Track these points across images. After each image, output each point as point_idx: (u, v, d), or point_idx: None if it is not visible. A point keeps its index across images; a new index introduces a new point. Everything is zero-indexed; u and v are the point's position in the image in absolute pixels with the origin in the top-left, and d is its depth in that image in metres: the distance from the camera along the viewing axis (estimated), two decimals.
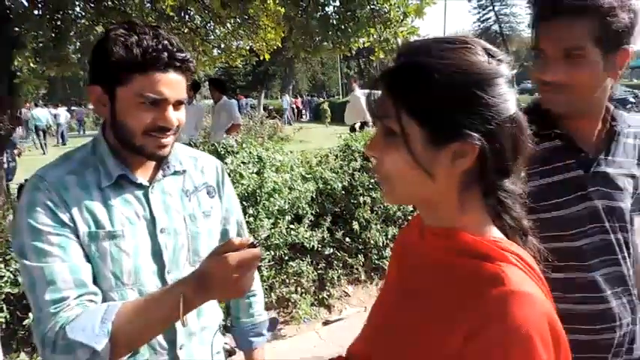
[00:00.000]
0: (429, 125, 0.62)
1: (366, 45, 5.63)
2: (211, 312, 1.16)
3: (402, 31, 5.11)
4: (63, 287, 0.88)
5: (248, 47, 6.85)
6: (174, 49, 0.94)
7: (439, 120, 0.62)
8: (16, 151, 5.85)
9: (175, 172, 1.08)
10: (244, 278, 0.82)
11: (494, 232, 0.66)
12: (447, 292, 0.62)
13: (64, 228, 0.92)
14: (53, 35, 5.63)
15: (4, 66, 3.75)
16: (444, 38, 0.66)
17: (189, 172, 1.11)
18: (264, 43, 6.16)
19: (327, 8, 5.72)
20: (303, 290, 3.46)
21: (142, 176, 1.03)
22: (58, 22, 5.72)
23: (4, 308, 2.53)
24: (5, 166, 4.51)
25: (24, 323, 2.57)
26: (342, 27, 5.55)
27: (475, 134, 0.60)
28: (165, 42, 0.93)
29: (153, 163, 1.05)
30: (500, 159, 0.63)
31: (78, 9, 6.10)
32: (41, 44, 5.59)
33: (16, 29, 4.47)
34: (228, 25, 6.40)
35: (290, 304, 3.40)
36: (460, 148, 0.61)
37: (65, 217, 0.92)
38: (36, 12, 5.64)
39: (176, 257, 1.04)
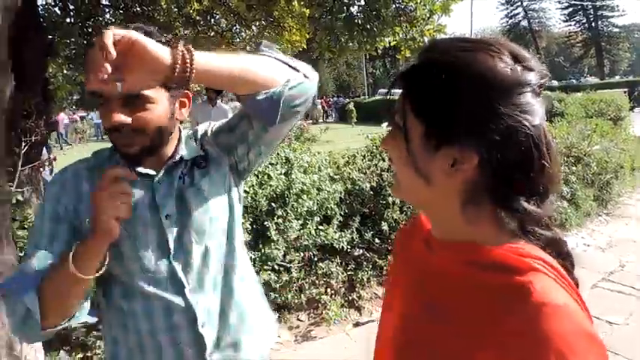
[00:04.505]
0: (429, 125, 0.60)
1: (391, 44, 5.58)
2: (251, 345, 1.17)
3: (428, 29, 5.04)
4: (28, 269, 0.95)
5: None
6: None
7: (440, 121, 0.59)
8: (52, 156, 6.03)
9: (180, 161, 1.08)
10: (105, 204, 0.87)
11: (512, 241, 0.61)
12: (475, 307, 0.58)
13: (60, 218, 0.99)
14: (85, 42, 5.78)
15: (38, 74, 3.86)
16: (470, 38, 0.63)
17: (188, 157, 1.10)
18: (289, 45, 6.18)
19: (351, 8, 5.69)
20: (332, 291, 3.44)
21: (149, 168, 1.04)
22: (89, 29, 5.87)
23: None
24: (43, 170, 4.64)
25: None
26: (367, 27, 5.51)
27: (477, 143, 0.57)
28: None
29: (158, 157, 1.05)
30: (511, 174, 0.58)
31: (108, 16, 6.25)
32: (73, 51, 5.75)
33: (49, 37, 4.59)
34: (254, 27, 6.46)
35: (320, 305, 3.39)
36: (459, 154, 0.58)
37: (63, 210, 1.00)
38: (68, 20, 5.80)
39: (183, 241, 1.04)
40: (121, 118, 0.93)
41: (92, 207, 0.89)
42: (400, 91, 0.65)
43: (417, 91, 0.61)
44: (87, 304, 1.01)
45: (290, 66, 0.99)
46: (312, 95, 1.01)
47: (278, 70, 0.97)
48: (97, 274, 0.92)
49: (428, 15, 5.14)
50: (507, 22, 50.99)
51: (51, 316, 0.92)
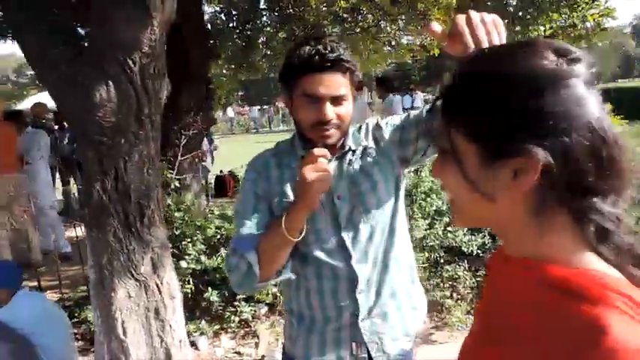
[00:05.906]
0: (481, 141, 0.56)
1: (547, 32, 5.05)
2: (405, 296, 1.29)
3: (592, 14, 4.44)
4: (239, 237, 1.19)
5: (418, 43, 6.78)
6: (327, 52, 1.08)
7: (493, 135, 0.55)
8: (212, 147, 6.81)
9: (349, 150, 1.23)
10: (310, 179, 1.02)
11: (594, 263, 0.54)
12: (534, 334, 0.53)
13: (259, 197, 1.21)
14: (243, 44, 6.37)
15: (202, 74, 4.39)
16: (510, 44, 0.60)
17: (359, 148, 1.24)
18: (433, 38, 5.99)
19: None
20: (458, 296, 3.31)
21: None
22: (248, 32, 6.44)
23: (190, 281, 2.99)
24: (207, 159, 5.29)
25: (204, 296, 3.00)
26: (520, 14, 5.08)
27: (537, 148, 0.51)
28: (320, 47, 1.09)
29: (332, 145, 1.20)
30: (579, 174, 0.52)
31: (264, 18, 6.79)
32: (232, 52, 6.37)
33: (212, 42, 5.18)
34: (399, 21, 6.41)
35: (444, 309, 3.28)
36: (521, 164, 0.53)
37: (260, 191, 1.21)
38: (230, 25, 6.45)
39: (352, 218, 1.20)
40: (330, 113, 1.12)
41: (299, 180, 1.06)
42: None
43: (458, 109, 0.58)
44: (289, 264, 1.20)
45: None
46: None
47: None
48: (299, 238, 1.11)
49: None
50: None
51: (266, 271, 1.14)
